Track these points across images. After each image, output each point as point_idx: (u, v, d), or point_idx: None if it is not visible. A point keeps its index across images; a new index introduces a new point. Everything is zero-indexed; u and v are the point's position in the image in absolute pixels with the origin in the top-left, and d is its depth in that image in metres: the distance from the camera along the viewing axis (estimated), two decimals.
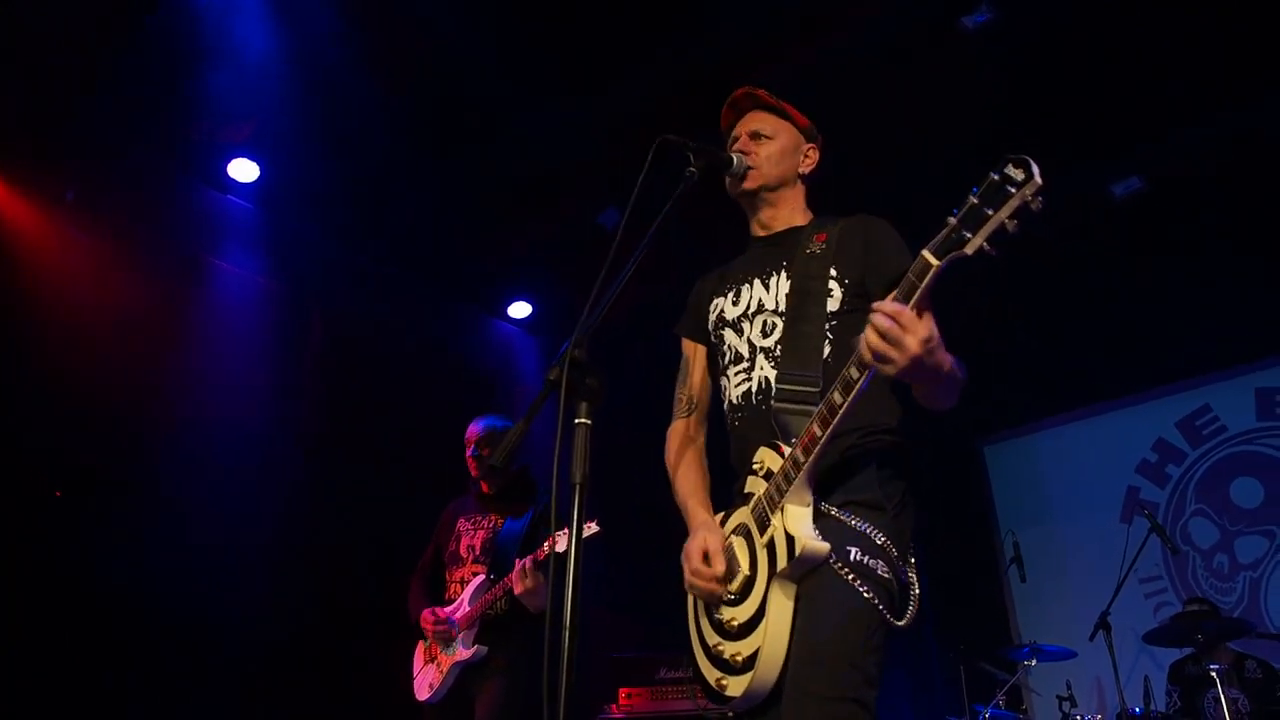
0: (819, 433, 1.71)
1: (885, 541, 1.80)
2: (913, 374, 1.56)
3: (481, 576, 3.50)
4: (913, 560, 1.87)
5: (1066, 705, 4.73)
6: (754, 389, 2.01)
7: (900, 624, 1.77)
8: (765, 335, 2.03)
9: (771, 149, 2.14)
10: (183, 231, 4.99)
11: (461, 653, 3.39)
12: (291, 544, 4.83)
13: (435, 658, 3.52)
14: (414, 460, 5.37)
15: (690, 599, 2.06)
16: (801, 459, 1.75)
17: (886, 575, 1.78)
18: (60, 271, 4.43)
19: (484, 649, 3.38)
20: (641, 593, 5.94)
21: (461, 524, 3.74)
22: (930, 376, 1.59)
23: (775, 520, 1.79)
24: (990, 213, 1.41)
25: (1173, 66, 4.48)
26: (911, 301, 1.51)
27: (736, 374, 2.06)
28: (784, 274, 2.06)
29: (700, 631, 1.98)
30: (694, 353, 2.28)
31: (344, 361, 5.48)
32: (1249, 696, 4.52)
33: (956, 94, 4.68)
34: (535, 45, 4.39)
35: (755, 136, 2.16)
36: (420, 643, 3.63)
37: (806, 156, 2.21)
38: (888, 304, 1.52)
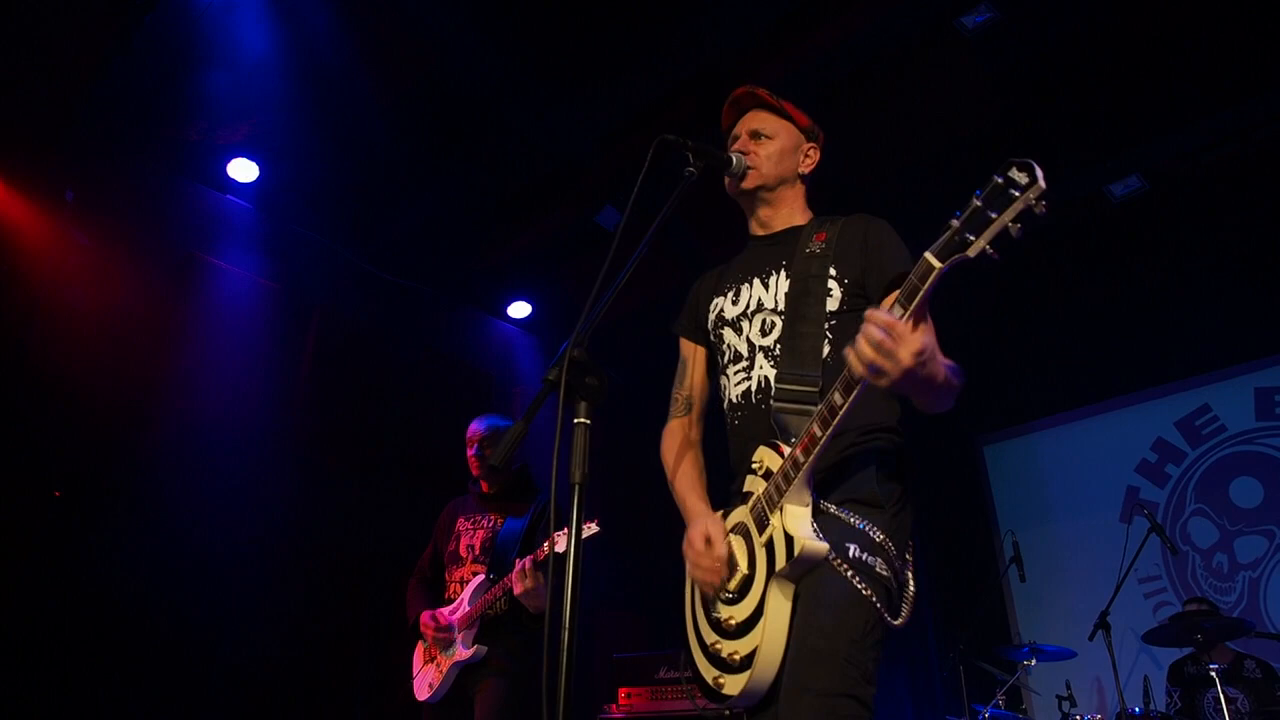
0: (819, 433, 1.71)
1: (884, 539, 1.81)
2: (905, 386, 1.56)
3: (481, 576, 3.49)
4: (910, 559, 1.88)
5: (1066, 705, 4.72)
6: (753, 388, 2.01)
7: (896, 623, 1.77)
8: (764, 334, 2.03)
9: (771, 148, 2.14)
10: (182, 231, 4.99)
11: (461, 652, 3.39)
12: (290, 543, 4.82)
13: (435, 658, 3.52)
14: (413, 460, 5.37)
15: (688, 597, 2.06)
16: (801, 459, 1.75)
17: (885, 573, 1.78)
18: (59, 271, 4.43)
19: (484, 649, 3.38)
20: (641, 593, 5.95)
21: (461, 524, 3.74)
22: (923, 388, 1.59)
23: (774, 520, 1.79)
24: (994, 216, 1.41)
25: (1172, 66, 4.49)
26: (909, 309, 1.50)
27: (736, 373, 2.06)
28: (783, 273, 2.06)
29: (698, 630, 1.98)
30: (691, 352, 2.28)
31: (343, 360, 5.47)
32: (1248, 696, 4.53)
33: (956, 93, 4.68)
34: (534, 45, 4.38)
35: (755, 136, 2.16)
36: (420, 643, 3.63)
37: (807, 156, 2.21)
38: (881, 315, 1.51)
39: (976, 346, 6.24)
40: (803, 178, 2.21)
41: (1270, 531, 5.72)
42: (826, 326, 1.95)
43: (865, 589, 1.74)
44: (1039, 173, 1.37)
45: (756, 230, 2.22)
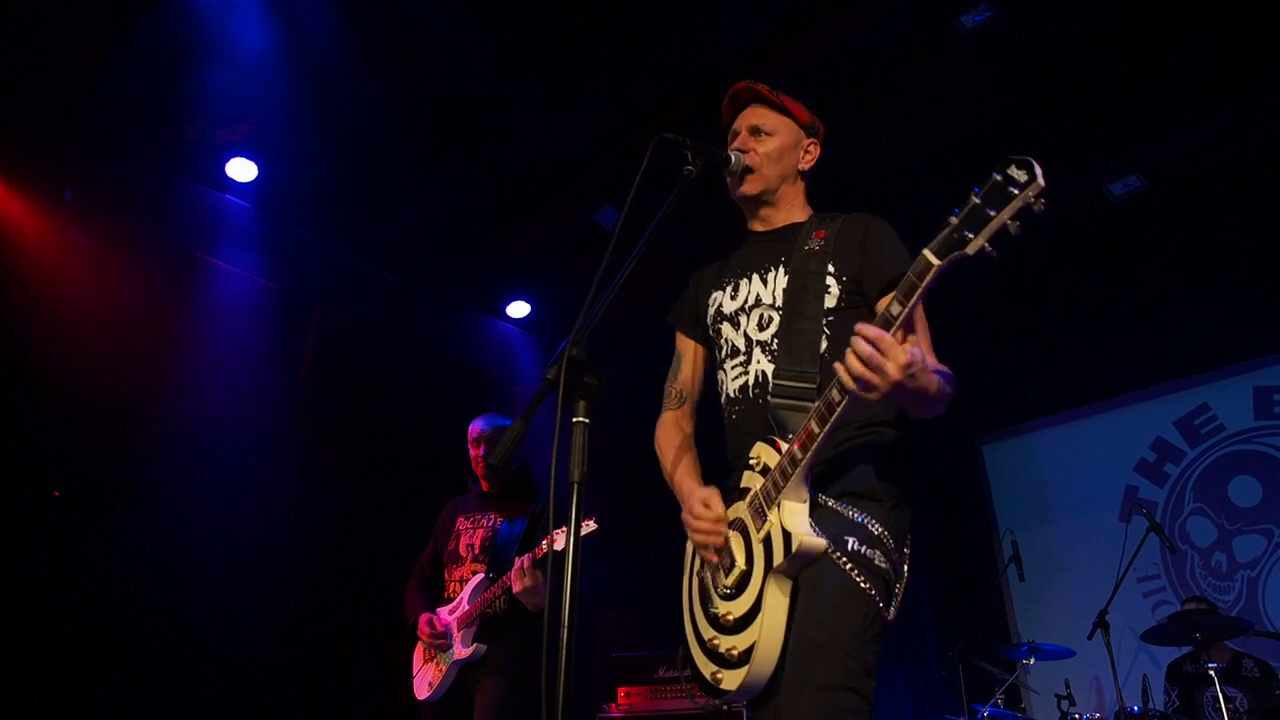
0: (816, 429, 1.71)
1: (882, 532, 1.81)
2: (895, 398, 1.57)
3: (480, 575, 3.49)
4: (908, 552, 1.88)
5: (1065, 704, 4.73)
6: (751, 382, 2.01)
7: (889, 617, 1.78)
8: (762, 329, 2.04)
9: (771, 146, 2.14)
10: (181, 231, 4.99)
11: (460, 651, 3.39)
12: (290, 543, 4.82)
13: (434, 656, 3.52)
14: (413, 460, 5.37)
15: (685, 594, 2.06)
16: (799, 455, 1.75)
17: (884, 565, 1.79)
18: (59, 271, 4.43)
19: (483, 647, 3.38)
20: (641, 592, 5.95)
21: (461, 523, 3.74)
22: (913, 399, 1.61)
23: (772, 515, 1.80)
24: (993, 213, 1.41)
25: (1173, 66, 4.49)
26: (907, 307, 1.51)
27: (733, 367, 2.07)
28: (782, 269, 2.06)
29: (695, 626, 1.98)
30: (686, 346, 2.28)
31: (343, 360, 5.47)
32: (1247, 695, 4.53)
33: (956, 93, 4.68)
34: (534, 45, 4.38)
35: (755, 132, 2.15)
36: (419, 642, 3.63)
37: (807, 152, 2.20)
38: (869, 328, 1.53)
39: (976, 346, 6.24)
40: (803, 174, 2.21)
41: (1269, 530, 5.72)
42: (824, 323, 1.95)
43: (864, 582, 1.74)
44: (1038, 170, 1.37)
45: (756, 226, 2.22)
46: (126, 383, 4.45)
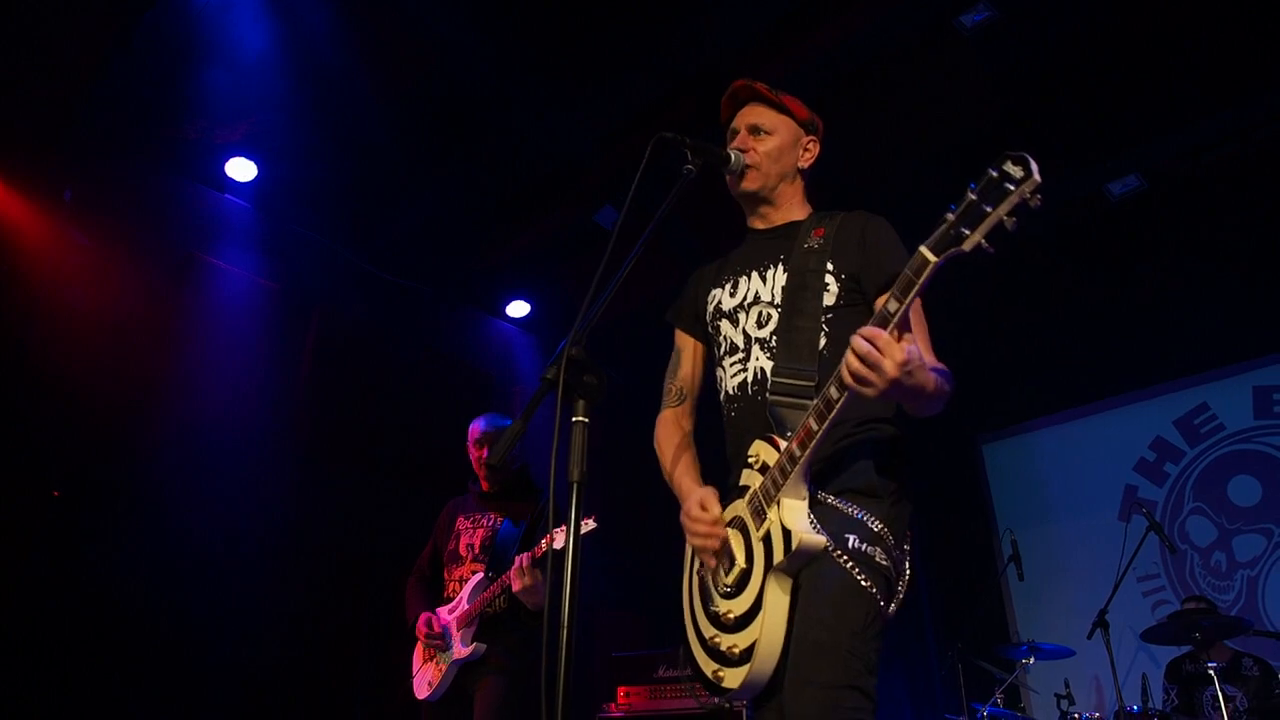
0: (815, 427, 1.71)
1: (882, 528, 1.81)
2: (893, 395, 1.59)
3: (480, 574, 3.50)
4: (908, 548, 1.88)
5: (1064, 703, 4.73)
6: (749, 379, 2.01)
7: (889, 612, 1.78)
8: (760, 326, 2.04)
9: (770, 145, 2.14)
10: (181, 231, 4.99)
11: (460, 650, 3.39)
12: (290, 543, 4.82)
13: (434, 656, 3.52)
14: (413, 459, 5.37)
15: (686, 593, 2.06)
16: (798, 452, 1.75)
17: (885, 562, 1.79)
18: (59, 271, 4.42)
19: (483, 647, 3.38)
20: (640, 592, 5.95)
21: (460, 522, 3.74)
22: (911, 396, 1.63)
23: (771, 514, 1.80)
24: (989, 210, 1.41)
25: (1173, 66, 4.49)
26: (904, 303, 1.52)
27: (732, 364, 2.07)
28: (781, 267, 2.06)
29: (696, 624, 1.98)
30: (686, 343, 2.28)
31: (342, 360, 5.47)
32: (1246, 694, 4.53)
33: (956, 93, 4.68)
34: (534, 45, 4.39)
35: (754, 131, 2.15)
36: (419, 642, 3.63)
37: (806, 150, 2.20)
38: (866, 328, 1.55)
39: (975, 345, 6.25)
40: (802, 172, 2.21)
41: (1268, 530, 5.72)
42: (823, 320, 1.95)
43: (865, 580, 1.74)
44: (1034, 166, 1.38)
45: (755, 224, 2.22)
46: (126, 383, 4.45)
